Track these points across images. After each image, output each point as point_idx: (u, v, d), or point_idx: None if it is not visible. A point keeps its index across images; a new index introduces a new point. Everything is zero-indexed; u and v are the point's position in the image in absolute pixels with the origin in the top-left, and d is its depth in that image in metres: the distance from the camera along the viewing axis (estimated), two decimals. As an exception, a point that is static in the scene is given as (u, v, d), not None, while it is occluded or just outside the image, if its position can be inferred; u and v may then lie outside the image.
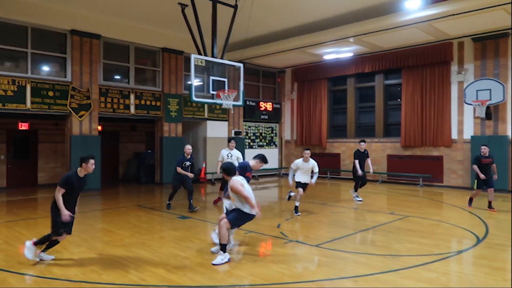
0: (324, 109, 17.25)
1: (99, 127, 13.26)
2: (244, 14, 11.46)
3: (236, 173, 5.69)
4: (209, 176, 15.70)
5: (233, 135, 16.56)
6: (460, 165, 13.40)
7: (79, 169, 5.15)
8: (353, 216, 8.98)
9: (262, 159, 6.54)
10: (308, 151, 8.84)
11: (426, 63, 14.06)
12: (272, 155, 18.48)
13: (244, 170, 6.21)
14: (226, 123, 16.63)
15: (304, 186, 8.84)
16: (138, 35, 13.75)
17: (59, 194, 5.00)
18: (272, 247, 6.32)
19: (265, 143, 18.37)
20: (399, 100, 15.25)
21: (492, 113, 12.56)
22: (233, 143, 10.01)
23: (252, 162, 6.46)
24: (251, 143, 17.76)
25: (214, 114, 16.14)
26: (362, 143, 10.80)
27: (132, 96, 13.72)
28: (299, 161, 8.88)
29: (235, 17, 11.00)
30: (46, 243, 5.27)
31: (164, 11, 12.21)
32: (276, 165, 18.63)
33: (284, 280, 4.70)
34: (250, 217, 5.48)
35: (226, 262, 5.21)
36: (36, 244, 5.25)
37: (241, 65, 11.10)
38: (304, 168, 8.84)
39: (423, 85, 14.26)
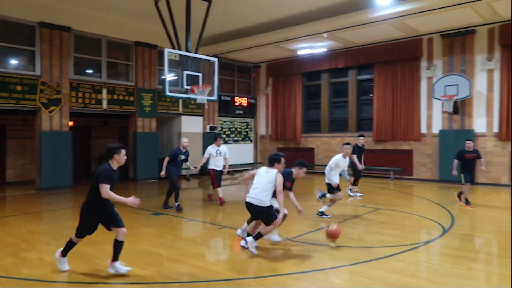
0: (299, 104, 17.41)
1: (71, 123, 12.93)
2: (218, 8, 11.40)
3: (272, 164, 5.68)
4: (183, 172, 15.54)
5: (208, 130, 16.50)
6: (429, 159, 13.82)
7: (110, 161, 4.67)
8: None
9: (301, 164, 6.12)
10: (349, 146, 8.08)
11: (397, 58, 14.37)
12: (247, 150, 18.55)
13: (285, 179, 5.81)
14: (201, 118, 16.55)
15: (338, 187, 7.94)
16: (111, 28, 13.46)
17: (108, 191, 4.46)
18: (246, 241, 6.36)
19: (240, 138, 18.38)
20: (371, 95, 15.56)
21: (459, 107, 13.01)
22: (220, 140, 9.86)
23: (293, 171, 6.11)
24: (226, 138, 17.73)
25: (189, 109, 16.01)
26: (361, 138, 10.67)
27: (104, 91, 13.44)
28: (338, 157, 7.97)
29: (209, 11, 10.91)
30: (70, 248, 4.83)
31: (137, 3, 11.99)
32: (251, 160, 18.68)
33: (259, 274, 4.77)
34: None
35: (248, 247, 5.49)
36: (64, 254, 4.81)
37: (215, 59, 11.05)
38: (342, 166, 7.99)
39: (394, 81, 14.59)
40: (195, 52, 10.73)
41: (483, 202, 9.67)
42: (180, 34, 10.60)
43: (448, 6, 10.78)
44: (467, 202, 9.05)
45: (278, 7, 12.40)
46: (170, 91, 10.18)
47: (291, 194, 5.99)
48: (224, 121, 17.71)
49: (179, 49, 10.32)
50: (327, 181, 8.00)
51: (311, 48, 15.52)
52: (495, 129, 12.52)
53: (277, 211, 5.64)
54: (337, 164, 7.95)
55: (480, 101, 12.78)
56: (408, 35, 13.75)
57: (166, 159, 8.90)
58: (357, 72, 16.02)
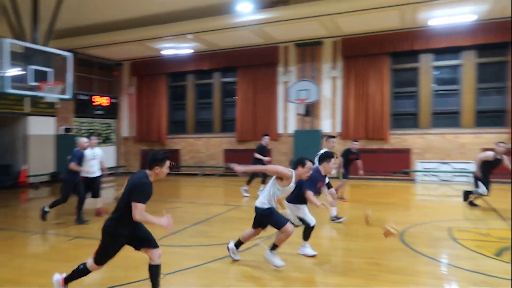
0: (164, 104, 17.13)
1: None
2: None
3: (295, 167, 4.82)
4: (32, 180, 13.82)
5: (63, 132, 15.03)
6: (286, 157, 15.01)
7: (149, 172, 3.69)
8: (189, 210, 9.19)
9: (326, 156, 5.54)
10: (335, 139, 7.67)
11: (258, 63, 15.27)
12: (108, 153, 17.44)
13: (315, 181, 5.28)
14: (53, 118, 14.94)
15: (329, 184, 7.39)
16: None
17: (144, 213, 3.57)
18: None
19: (101, 141, 17.18)
20: (234, 97, 16.19)
21: (309, 110, 14.48)
22: (94, 139, 8.26)
23: (320, 168, 5.49)
24: (85, 140, 16.38)
25: (38, 108, 14.29)
26: (266, 137, 10.73)
27: None
28: None
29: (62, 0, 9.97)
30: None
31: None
32: (113, 164, 17.65)
33: (112, 284, 4.53)
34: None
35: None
36: (66, 282, 3.94)
37: (70, 54, 10.19)
38: None
39: (255, 84, 15.46)
40: (45, 45, 9.73)
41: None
42: (25, 24, 9.46)
43: (299, 18, 11.87)
44: (341, 197, 9.83)
45: (142, 4, 11.91)
46: (13, 87, 9.01)
47: (310, 193, 5.19)
48: (82, 122, 16.36)
49: (25, 41, 9.23)
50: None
51: (176, 48, 15.42)
52: (338, 129, 14.31)
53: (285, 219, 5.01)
54: None
55: (326, 105, 14.46)
56: (267, 42, 14.73)
57: (73, 165, 7.44)
58: (221, 75, 16.50)
